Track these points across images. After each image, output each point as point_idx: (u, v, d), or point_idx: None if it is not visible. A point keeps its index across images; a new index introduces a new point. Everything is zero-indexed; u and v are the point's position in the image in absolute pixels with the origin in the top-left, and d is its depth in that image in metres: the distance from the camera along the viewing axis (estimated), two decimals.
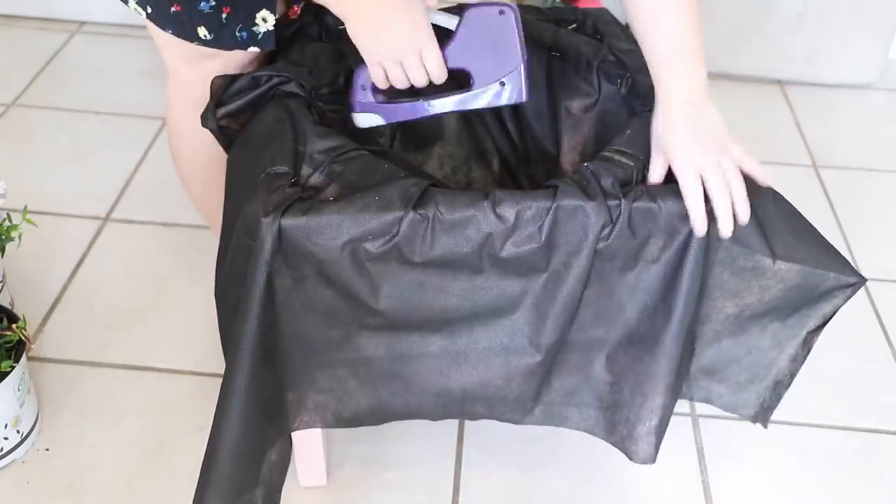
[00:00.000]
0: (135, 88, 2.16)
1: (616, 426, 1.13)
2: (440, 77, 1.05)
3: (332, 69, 1.22)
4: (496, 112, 1.32)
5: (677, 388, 1.10)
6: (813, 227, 1.09)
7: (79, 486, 1.29)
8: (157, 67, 2.25)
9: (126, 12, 2.38)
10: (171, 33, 1.17)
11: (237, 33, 1.16)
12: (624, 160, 1.04)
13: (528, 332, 1.04)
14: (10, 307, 1.40)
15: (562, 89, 1.27)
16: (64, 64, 2.25)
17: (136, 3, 1.14)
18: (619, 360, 1.09)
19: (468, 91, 1.07)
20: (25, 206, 1.46)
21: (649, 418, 1.10)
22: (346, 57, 1.24)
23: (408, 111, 1.11)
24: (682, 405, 1.44)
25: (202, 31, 1.15)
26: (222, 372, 1.02)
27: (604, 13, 1.36)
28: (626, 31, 1.32)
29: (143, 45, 2.34)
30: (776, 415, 1.43)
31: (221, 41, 1.16)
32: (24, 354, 1.29)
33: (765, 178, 1.01)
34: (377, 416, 1.12)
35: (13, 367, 1.25)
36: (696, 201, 0.96)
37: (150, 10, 1.16)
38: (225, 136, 1.15)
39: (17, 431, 1.29)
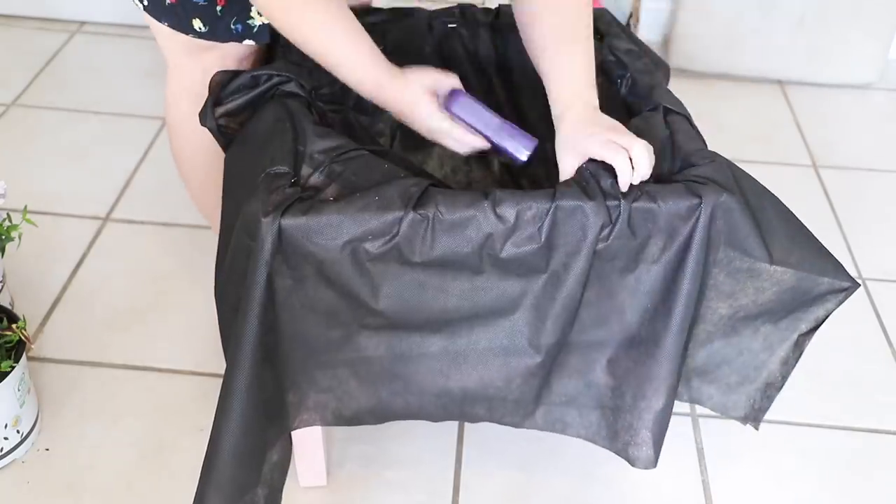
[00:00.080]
0: (135, 88, 2.17)
1: (618, 433, 1.13)
2: (474, 147, 1.15)
3: None
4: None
5: (677, 390, 1.10)
6: (808, 230, 1.09)
7: (79, 486, 1.29)
8: (157, 67, 2.25)
9: (126, 12, 2.39)
10: (167, 25, 1.17)
11: (232, 26, 1.16)
12: None
13: (528, 332, 1.04)
14: (10, 307, 1.40)
15: None
16: (64, 64, 2.25)
17: None
18: (620, 363, 1.09)
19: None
20: (25, 206, 1.46)
21: (651, 422, 1.10)
22: None
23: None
24: (682, 405, 1.44)
25: (197, 24, 1.16)
26: (222, 372, 1.02)
27: (604, 13, 1.36)
28: (626, 31, 1.32)
29: (143, 45, 2.34)
30: (776, 415, 1.43)
31: (216, 33, 1.17)
32: (24, 354, 1.29)
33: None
34: (377, 415, 1.12)
35: (13, 367, 1.25)
36: (625, 163, 0.99)
37: (146, 2, 1.17)
38: (224, 136, 1.15)
39: (17, 431, 1.29)
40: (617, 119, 1.06)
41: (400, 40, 1.32)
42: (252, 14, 1.16)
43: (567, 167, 1.04)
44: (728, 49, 2.31)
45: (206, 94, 1.15)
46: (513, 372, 1.07)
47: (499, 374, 1.07)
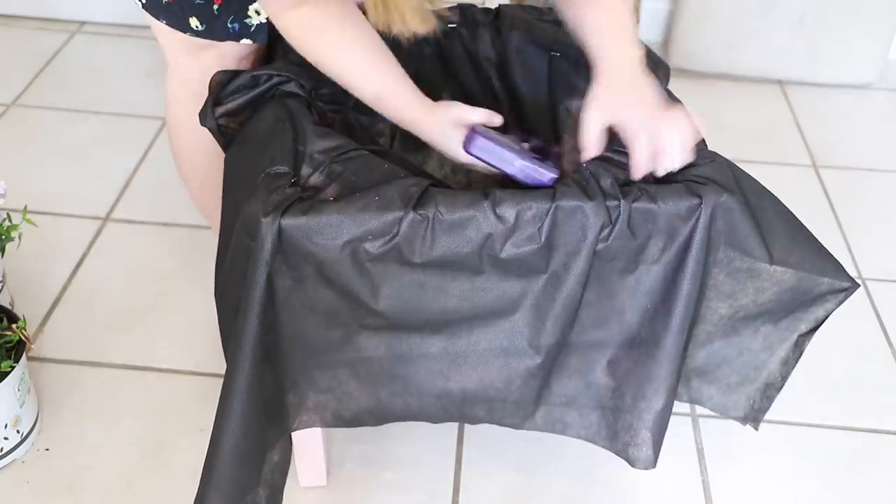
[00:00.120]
0: (135, 88, 2.17)
1: (618, 433, 1.13)
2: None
3: None
4: None
5: (676, 390, 1.10)
6: (808, 230, 1.09)
7: (79, 486, 1.29)
8: (157, 67, 2.25)
9: (126, 12, 2.38)
10: (165, 23, 1.17)
11: (229, 24, 1.16)
12: (624, 160, 1.04)
13: (528, 333, 1.04)
14: (10, 307, 1.40)
15: (562, 89, 1.27)
16: (64, 64, 2.25)
17: None
18: (620, 363, 1.09)
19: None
20: (25, 206, 1.46)
21: (651, 422, 1.10)
22: None
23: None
24: (682, 405, 1.44)
25: (194, 22, 1.16)
26: (222, 372, 1.02)
27: None
28: None
29: (143, 45, 2.34)
30: (776, 415, 1.43)
31: (213, 32, 1.17)
32: (24, 354, 1.29)
33: (700, 132, 1.04)
34: (377, 416, 1.12)
35: (13, 367, 1.25)
36: (643, 154, 1.00)
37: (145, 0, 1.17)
38: (223, 136, 1.15)
39: (17, 431, 1.29)
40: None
41: (400, 41, 1.32)
42: (249, 13, 1.16)
43: (593, 126, 1.03)
44: (728, 49, 2.31)
45: (205, 93, 1.15)
46: (513, 373, 1.07)
47: (499, 375, 1.07)
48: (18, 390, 1.27)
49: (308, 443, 1.24)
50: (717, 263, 1.03)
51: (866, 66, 2.33)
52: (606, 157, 1.05)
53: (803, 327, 1.12)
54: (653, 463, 1.13)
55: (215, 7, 1.15)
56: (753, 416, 1.19)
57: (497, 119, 1.11)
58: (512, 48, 1.31)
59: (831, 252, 1.11)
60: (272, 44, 1.23)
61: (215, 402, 1.02)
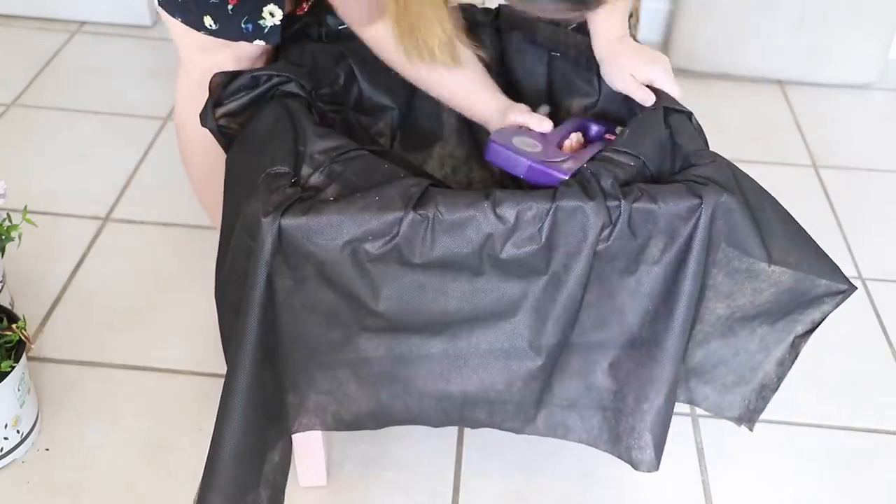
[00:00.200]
0: (135, 88, 2.16)
1: (620, 436, 1.13)
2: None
3: (332, 69, 1.22)
4: None
5: (677, 391, 1.10)
6: (806, 232, 1.09)
7: (79, 486, 1.29)
8: (158, 67, 2.26)
9: (126, 12, 2.38)
10: (181, 21, 1.18)
11: (243, 25, 1.17)
12: (624, 160, 1.04)
13: (529, 335, 1.04)
14: (10, 307, 1.40)
15: (562, 89, 1.27)
16: (64, 64, 2.25)
17: None
18: (621, 365, 1.09)
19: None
20: (25, 206, 1.46)
21: (653, 424, 1.10)
22: (346, 57, 1.24)
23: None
24: (682, 405, 1.44)
25: (208, 21, 1.16)
26: (222, 372, 1.02)
27: None
28: None
29: (143, 45, 2.34)
30: (775, 415, 1.43)
31: (227, 31, 1.17)
32: (24, 354, 1.29)
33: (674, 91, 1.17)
34: (377, 419, 1.12)
35: (13, 367, 1.25)
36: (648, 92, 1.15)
37: None
38: (224, 136, 1.15)
39: (17, 431, 1.29)
40: (616, 119, 1.06)
41: None
42: (263, 15, 1.17)
43: (627, 80, 1.16)
44: (728, 49, 2.31)
45: None
46: (514, 375, 1.07)
47: (500, 376, 1.07)
48: (18, 390, 1.27)
49: (308, 443, 1.24)
50: (716, 263, 1.03)
51: (866, 66, 2.33)
52: (606, 157, 1.05)
53: (800, 329, 1.12)
54: (656, 465, 1.13)
55: (230, 7, 1.15)
56: (749, 417, 1.19)
57: (546, 125, 1.17)
58: (512, 48, 1.31)
59: (831, 252, 1.11)
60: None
61: (215, 402, 1.02)
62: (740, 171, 1.06)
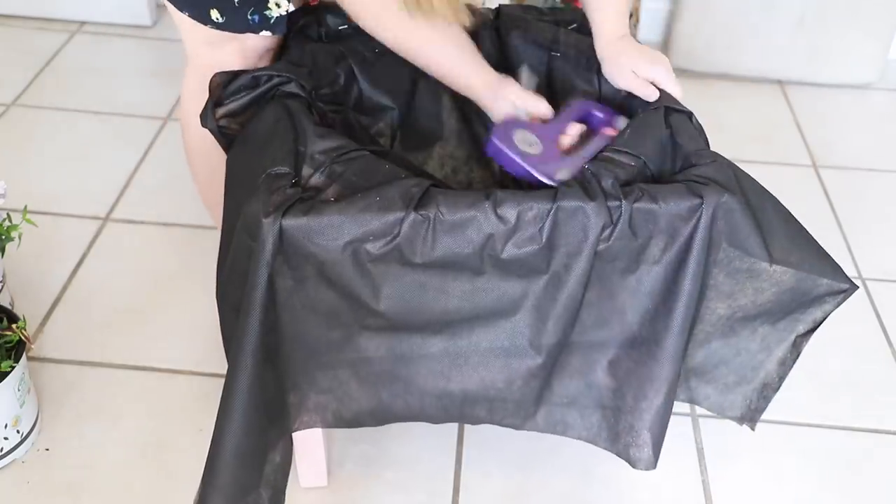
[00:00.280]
0: (135, 88, 2.16)
1: (619, 434, 1.13)
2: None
3: (332, 69, 1.22)
4: None
5: (676, 390, 1.10)
6: (807, 232, 1.09)
7: (79, 486, 1.29)
8: (158, 67, 2.26)
9: (126, 12, 2.38)
10: (188, 15, 1.18)
11: (249, 17, 1.17)
12: (624, 160, 1.04)
13: (529, 334, 1.04)
14: (10, 307, 1.40)
15: (562, 89, 1.27)
16: (64, 64, 2.25)
17: None
18: (621, 363, 1.09)
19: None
20: (25, 206, 1.46)
21: (651, 423, 1.10)
22: (346, 57, 1.24)
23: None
24: (681, 405, 1.44)
25: (214, 14, 1.16)
26: (223, 372, 1.02)
27: None
28: None
29: (143, 45, 2.34)
30: (776, 415, 1.43)
31: (234, 24, 1.18)
32: (24, 354, 1.29)
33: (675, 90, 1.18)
34: (377, 417, 1.12)
35: (13, 367, 1.25)
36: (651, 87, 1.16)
37: None
38: (225, 137, 1.15)
39: (17, 431, 1.29)
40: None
41: None
42: (269, 5, 1.17)
43: (628, 77, 1.17)
44: (728, 49, 2.31)
45: None
46: (514, 373, 1.07)
47: (500, 375, 1.07)
48: (18, 390, 1.27)
49: (309, 443, 1.24)
50: (717, 263, 1.03)
51: (866, 66, 2.33)
52: (607, 157, 1.05)
53: (801, 328, 1.12)
54: (653, 464, 1.13)
55: None
56: (750, 417, 1.19)
57: (543, 108, 1.18)
58: (512, 48, 1.31)
59: (831, 252, 1.11)
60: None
61: (215, 402, 1.02)
62: (741, 170, 1.07)
